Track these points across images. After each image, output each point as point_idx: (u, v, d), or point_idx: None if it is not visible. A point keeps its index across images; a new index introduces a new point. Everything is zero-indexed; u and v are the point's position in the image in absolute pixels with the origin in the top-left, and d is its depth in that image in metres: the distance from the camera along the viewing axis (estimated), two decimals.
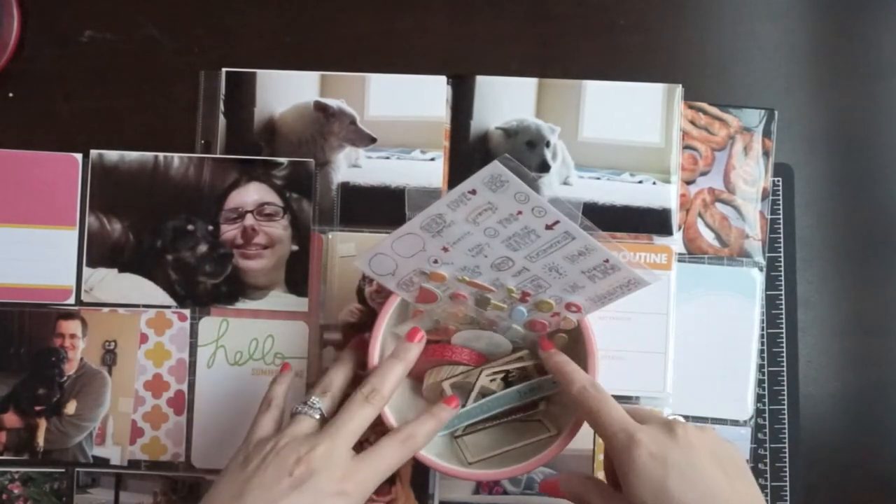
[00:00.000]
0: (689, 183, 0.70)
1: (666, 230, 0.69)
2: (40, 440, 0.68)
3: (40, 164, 0.70)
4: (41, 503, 0.68)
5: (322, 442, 0.51)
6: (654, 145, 0.70)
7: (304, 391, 0.68)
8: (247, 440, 0.55)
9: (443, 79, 0.70)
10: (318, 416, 0.55)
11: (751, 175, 0.70)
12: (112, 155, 0.70)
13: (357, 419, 0.54)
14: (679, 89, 0.70)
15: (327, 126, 0.70)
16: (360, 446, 0.54)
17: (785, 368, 0.69)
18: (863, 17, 0.71)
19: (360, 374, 0.59)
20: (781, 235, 0.70)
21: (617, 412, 0.52)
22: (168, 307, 0.69)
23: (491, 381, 0.60)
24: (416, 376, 0.62)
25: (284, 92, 0.70)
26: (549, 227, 0.52)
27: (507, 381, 0.61)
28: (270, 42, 0.71)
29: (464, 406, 0.60)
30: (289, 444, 0.52)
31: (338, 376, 0.58)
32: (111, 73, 0.71)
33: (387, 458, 0.53)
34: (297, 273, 0.69)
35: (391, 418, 0.58)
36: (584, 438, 0.54)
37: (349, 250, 0.69)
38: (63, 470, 0.69)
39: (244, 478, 0.51)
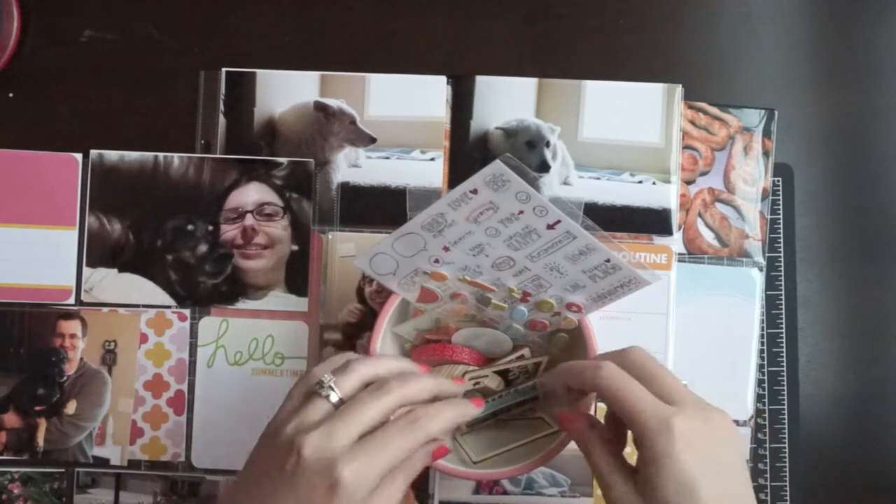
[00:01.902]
0: (689, 183, 0.70)
1: (666, 230, 0.69)
2: (40, 440, 0.68)
3: (40, 164, 0.70)
4: (41, 503, 0.68)
5: (318, 430, 0.46)
6: (654, 145, 0.70)
7: None
8: (276, 414, 0.50)
9: (443, 79, 0.70)
10: (334, 401, 0.49)
11: (751, 175, 0.70)
12: (112, 155, 0.70)
13: (367, 409, 0.48)
14: (679, 89, 0.70)
15: (327, 126, 0.70)
16: None
17: (785, 368, 0.69)
18: (863, 17, 0.72)
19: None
20: (781, 235, 0.70)
21: (644, 393, 0.48)
22: (168, 307, 0.69)
23: (491, 378, 0.60)
24: None
25: (284, 92, 0.70)
26: (550, 227, 0.52)
27: (508, 380, 0.61)
28: (270, 42, 0.71)
29: None
30: (291, 431, 0.47)
31: (373, 365, 0.52)
32: (111, 74, 0.71)
33: (389, 444, 0.47)
34: (297, 273, 0.69)
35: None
36: None
37: (349, 250, 0.69)
38: (63, 470, 0.69)
39: (255, 472, 0.48)
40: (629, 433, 0.49)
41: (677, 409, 0.47)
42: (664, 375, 0.49)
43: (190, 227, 0.69)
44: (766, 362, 0.69)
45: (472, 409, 0.52)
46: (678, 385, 0.49)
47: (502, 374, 0.61)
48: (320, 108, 0.70)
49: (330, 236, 0.69)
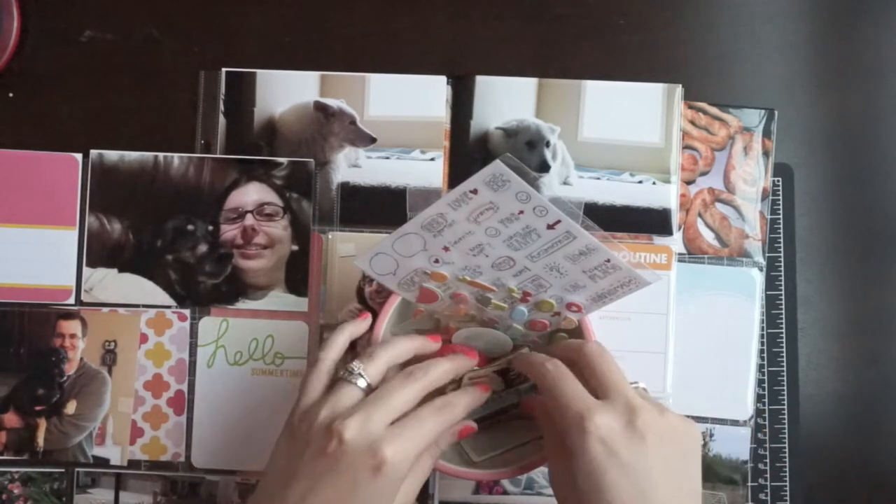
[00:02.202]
0: (689, 183, 0.70)
1: (666, 230, 0.69)
2: (40, 440, 0.68)
3: (40, 164, 0.70)
4: (41, 503, 0.68)
5: (356, 414, 0.49)
6: (654, 145, 0.70)
7: None
8: (295, 407, 0.53)
9: (443, 79, 0.70)
10: (363, 386, 0.52)
11: (751, 175, 0.70)
12: (112, 155, 0.70)
13: (398, 395, 0.51)
14: (679, 89, 0.70)
15: (327, 126, 0.70)
16: None
17: (785, 368, 0.69)
18: (863, 17, 0.72)
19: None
20: (781, 235, 0.70)
21: (574, 388, 0.50)
22: (168, 307, 0.69)
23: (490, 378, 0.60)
24: None
25: (284, 92, 0.70)
26: (550, 227, 0.52)
27: (508, 380, 0.61)
28: (270, 42, 0.71)
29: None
30: (326, 417, 0.50)
31: (393, 348, 0.55)
32: (111, 73, 0.71)
33: (424, 426, 0.50)
34: (297, 273, 0.69)
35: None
36: None
37: (349, 250, 0.69)
38: (63, 470, 0.69)
39: (292, 460, 0.50)
40: None
41: (603, 404, 0.49)
42: (605, 371, 0.51)
43: (190, 227, 0.69)
44: (766, 362, 0.69)
45: (483, 394, 0.56)
46: (618, 381, 0.51)
47: (502, 374, 0.61)
48: (320, 108, 0.70)
49: (330, 236, 0.69)
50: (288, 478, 0.49)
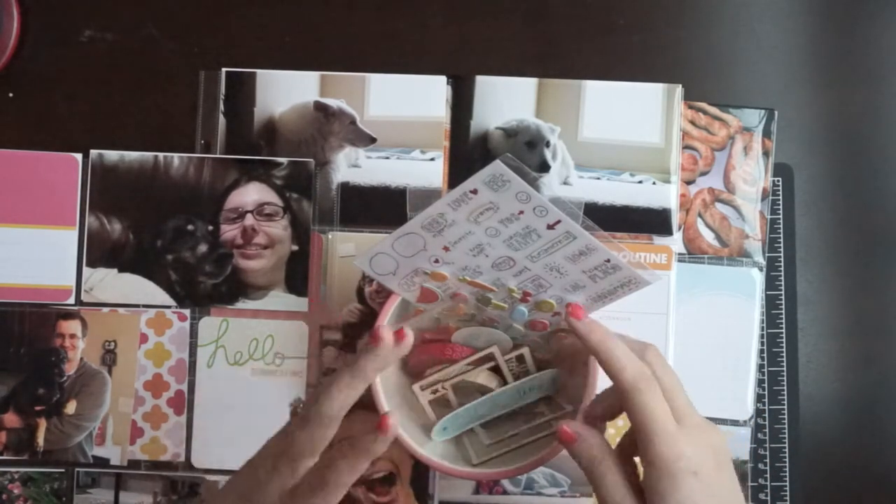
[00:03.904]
0: (689, 183, 0.70)
1: (666, 230, 0.69)
2: (40, 440, 0.68)
3: (40, 164, 0.70)
4: (41, 503, 0.68)
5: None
6: (654, 145, 0.70)
7: (305, 390, 0.68)
8: (303, 415, 0.52)
9: (443, 79, 0.70)
10: None
11: (751, 175, 0.70)
12: (112, 155, 0.70)
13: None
14: (679, 89, 0.70)
15: (327, 126, 0.70)
16: None
17: (785, 368, 0.69)
18: (863, 17, 0.72)
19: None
20: (781, 235, 0.70)
21: (663, 411, 0.47)
22: (168, 307, 0.69)
23: (488, 377, 0.60)
24: (416, 375, 0.62)
25: (284, 92, 0.70)
26: (550, 227, 0.52)
27: (502, 377, 0.61)
28: (270, 42, 0.71)
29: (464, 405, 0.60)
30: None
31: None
32: (111, 73, 0.71)
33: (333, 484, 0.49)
34: (297, 273, 0.69)
35: (383, 402, 0.57)
36: None
37: (349, 250, 0.69)
38: (63, 470, 0.69)
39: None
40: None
41: (685, 434, 0.47)
42: (675, 389, 0.50)
43: (190, 227, 0.69)
44: (766, 362, 0.69)
45: (381, 444, 0.50)
46: (687, 402, 0.50)
47: (497, 371, 0.61)
48: (320, 108, 0.70)
49: (330, 236, 0.69)
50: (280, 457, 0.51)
